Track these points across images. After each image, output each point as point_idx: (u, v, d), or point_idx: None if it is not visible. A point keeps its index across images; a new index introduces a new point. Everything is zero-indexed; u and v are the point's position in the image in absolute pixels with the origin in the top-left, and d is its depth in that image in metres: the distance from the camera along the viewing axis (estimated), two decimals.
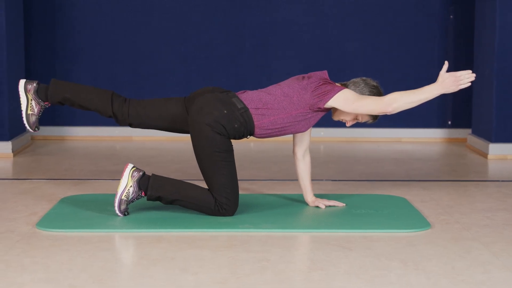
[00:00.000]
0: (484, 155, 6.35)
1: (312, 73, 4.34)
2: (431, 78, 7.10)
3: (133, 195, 4.20)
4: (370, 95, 4.26)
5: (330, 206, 4.46)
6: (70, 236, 3.89)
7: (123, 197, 4.19)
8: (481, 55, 6.61)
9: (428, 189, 5.05)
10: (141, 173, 4.21)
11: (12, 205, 4.53)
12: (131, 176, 4.19)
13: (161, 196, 4.22)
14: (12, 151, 6.17)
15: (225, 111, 4.17)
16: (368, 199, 4.68)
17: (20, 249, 3.65)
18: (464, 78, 4.09)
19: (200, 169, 4.25)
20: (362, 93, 4.27)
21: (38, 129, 4.39)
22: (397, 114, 7.11)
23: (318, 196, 4.56)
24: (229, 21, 7.09)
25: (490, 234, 4.00)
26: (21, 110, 4.40)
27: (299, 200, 4.58)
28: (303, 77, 4.32)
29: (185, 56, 7.10)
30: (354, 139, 7.14)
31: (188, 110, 4.26)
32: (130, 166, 4.22)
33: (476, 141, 6.61)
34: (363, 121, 4.34)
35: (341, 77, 7.00)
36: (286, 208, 4.44)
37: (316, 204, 4.47)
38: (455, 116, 7.20)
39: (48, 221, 4.12)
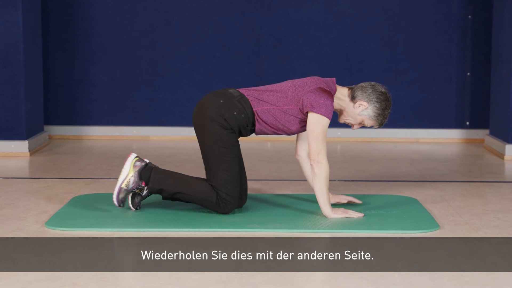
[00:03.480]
0: (501, 156, 6.30)
1: (319, 78, 4.34)
2: (449, 78, 7.11)
3: (133, 184, 4.25)
4: (377, 101, 4.24)
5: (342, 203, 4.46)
6: (78, 235, 3.91)
7: (122, 186, 4.25)
8: (498, 55, 6.56)
9: (441, 190, 5.02)
10: (143, 164, 4.27)
11: (24, 203, 4.57)
12: (133, 166, 4.26)
13: (163, 189, 4.25)
14: (29, 150, 6.22)
15: (222, 101, 4.23)
16: (379, 200, 4.66)
17: (27, 247, 3.68)
18: (353, 215, 4.25)
19: (204, 164, 4.29)
20: (369, 100, 4.24)
21: (140, 208, 4.34)
22: (414, 115, 7.12)
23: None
24: (246, 20, 7.10)
25: (499, 235, 3.97)
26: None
27: (310, 200, 4.57)
28: (311, 78, 4.32)
29: (202, 56, 7.12)
30: (371, 139, 7.12)
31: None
32: (133, 155, 4.28)
33: (493, 142, 6.56)
34: (368, 126, 4.33)
35: (359, 76, 7.01)
36: (296, 209, 4.44)
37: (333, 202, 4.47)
38: (473, 117, 7.15)
39: (57, 220, 4.15)
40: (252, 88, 4.34)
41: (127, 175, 4.23)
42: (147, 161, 4.32)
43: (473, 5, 7.05)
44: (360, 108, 4.25)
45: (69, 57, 7.08)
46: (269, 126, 4.28)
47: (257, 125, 4.28)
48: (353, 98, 4.26)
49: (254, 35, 7.12)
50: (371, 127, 4.36)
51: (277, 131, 4.31)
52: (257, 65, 7.12)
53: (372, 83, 4.30)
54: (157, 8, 7.07)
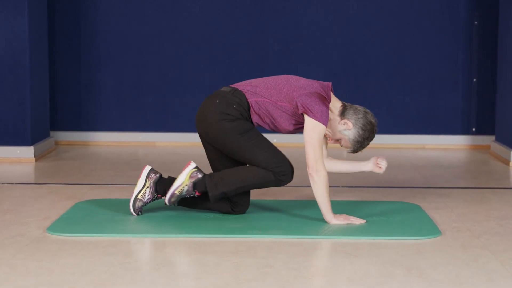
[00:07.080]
0: (507, 162, 6.28)
1: (317, 81, 4.33)
2: (455, 84, 7.09)
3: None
4: (362, 128, 4.24)
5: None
6: (79, 240, 3.92)
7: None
8: (505, 61, 6.55)
9: (444, 196, 5.01)
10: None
11: (27, 209, 4.58)
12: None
13: (225, 192, 4.25)
14: (35, 156, 6.24)
15: (217, 101, 4.26)
16: (381, 206, 4.65)
17: (27, 253, 3.69)
18: (355, 221, 4.25)
19: (240, 161, 4.30)
20: (355, 123, 4.24)
21: (141, 213, 4.38)
22: (421, 121, 7.10)
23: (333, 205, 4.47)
24: (253, 25, 7.11)
25: (500, 242, 3.95)
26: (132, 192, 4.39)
27: (311, 206, 4.56)
28: (309, 80, 4.32)
29: (209, 61, 7.13)
30: (377, 145, 7.09)
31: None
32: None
33: (499, 148, 6.54)
34: (342, 146, 4.33)
35: (365, 81, 7.01)
36: (297, 215, 4.44)
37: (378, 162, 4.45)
38: (479, 123, 7.14)
39: (59, 225, 4.16)
40: (245, 82, 4.35)
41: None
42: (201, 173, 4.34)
43: (479, 11, 7.04)
44: (344, 126, 4.26)
45: (75, 62, 7.11)
46: (261, 118, 4.28)
47: (252, 117, 4.29)
48: (342, 114, 4.26)
49: (261, 40, 7.12)
50: (344, 147, 4.35)
51: (270, 125, 4.30)
52: (263, 70, 7.12)
53: (367, 110, 4.30)
54: (164, 13, 7.09)
